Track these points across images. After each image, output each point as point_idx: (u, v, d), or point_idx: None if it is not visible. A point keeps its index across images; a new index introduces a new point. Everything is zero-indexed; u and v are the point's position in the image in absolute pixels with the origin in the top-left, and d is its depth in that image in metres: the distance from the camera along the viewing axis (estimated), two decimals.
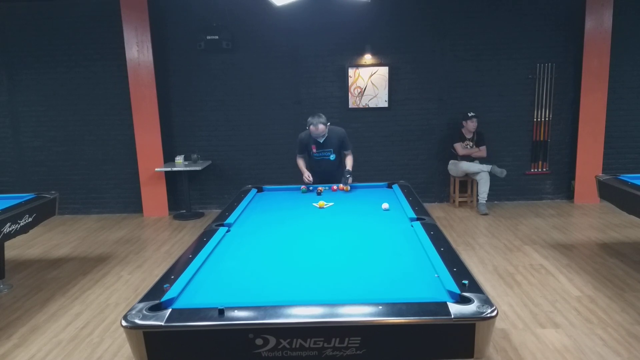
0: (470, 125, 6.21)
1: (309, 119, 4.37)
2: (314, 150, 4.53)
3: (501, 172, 6.09)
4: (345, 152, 4.59)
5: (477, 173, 6.18)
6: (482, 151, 6.32)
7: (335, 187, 4.25)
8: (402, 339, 1.83)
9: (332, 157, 4.53)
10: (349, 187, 4.29)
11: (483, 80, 6.44)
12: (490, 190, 6.22)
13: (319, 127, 4.31)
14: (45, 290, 4.14)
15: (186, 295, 2.10)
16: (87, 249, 5.30)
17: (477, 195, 6.26)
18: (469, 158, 6.30)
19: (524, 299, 3.67)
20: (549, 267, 4.30)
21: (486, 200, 6.23)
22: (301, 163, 4.64)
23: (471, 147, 6.30)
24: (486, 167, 6.14)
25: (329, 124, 4.42)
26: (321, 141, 4.45)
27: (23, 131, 6.64)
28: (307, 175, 4.44)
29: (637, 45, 6.29)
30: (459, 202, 6.56)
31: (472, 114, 6.17)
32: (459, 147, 6.28)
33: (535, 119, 6.53)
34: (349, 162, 4.50)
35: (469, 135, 6.30)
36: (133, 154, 6.52)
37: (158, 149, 6.43)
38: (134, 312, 1.87)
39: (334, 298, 2.01)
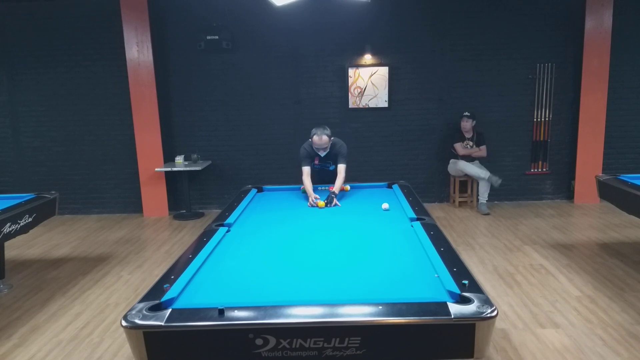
0: (463, 125, 6.19)
1: (314, 129, 4.20)
2: (316, 162, 4.46)
3: (496, 182, 6.10)
4: (339, 166, 4.28)
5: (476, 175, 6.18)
6: (482, 151, 6.30)
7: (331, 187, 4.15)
8: (402, 339, 1.83)
9: (332, 167, 4.47)
10: (348, 187, 4.28)
11: (483, 80, 6.44)
12: (490, 190, 6.22)
13: (323, 137, 4.15)
14: (45, 290, 4.14)
15: (186, 295, 2.10)
16: (87, 249, 5.30)
17: (478, 196, 6.26)
18: (470, 158, 6.30)
19: (524, 299, 3.67)
20: (549, 267, 4.29)
21: (487, 200, 6.23)
22: (309, 184, 4.17)
23: (471, 146, 6.30)
24: (484, 175, 6.12)
25: (332, 138, 4.29)
26: (323, 155, 4.31)
27: (23, 131, 6.64)
28: (314, 198, 3.94)
29: (637, 45, 6.29)
30: (459, 202, 6.56)
31: (466, 113, 6.17)
32: (459, 147, 6.27)
33: (535, 119, 6.52)
34: (338, 181, 4.15)
35: (468, 135, 6.29)
36: (133, 154, 6.52)
37: (158, 149, 6.43)
38: (134, 312, 1.87)
39: (334, 298, 2.02)
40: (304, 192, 4.22)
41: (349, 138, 4.62)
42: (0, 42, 6.41)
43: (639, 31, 6.26)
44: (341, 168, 4.25)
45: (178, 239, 5.55)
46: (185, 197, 6.54)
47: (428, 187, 6.74)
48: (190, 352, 1.84)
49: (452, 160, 6.41)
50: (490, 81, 6.45)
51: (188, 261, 2.46)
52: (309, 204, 3.88)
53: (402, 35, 6.38)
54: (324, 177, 4.51)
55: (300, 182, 4.30)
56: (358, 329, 1.80)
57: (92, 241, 5.57)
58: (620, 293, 3.70)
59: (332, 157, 4.39)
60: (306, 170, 4.26)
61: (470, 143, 6.30)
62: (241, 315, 1.85)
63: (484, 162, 6.33)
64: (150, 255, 5.01)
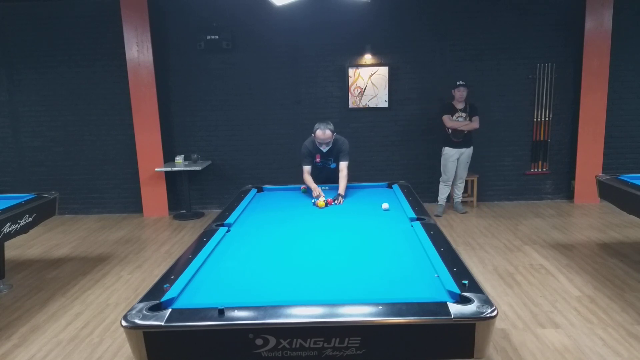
0: (458, 94, 5.90)
1: (317, 124, 4.19)
2: (317, 160, 4.46)
3: (460, 210, 6.21)
4: (341, 163, 4.26)
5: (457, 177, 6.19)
6: (475, 122, 5.91)
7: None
8: (402, 339, 1.83)
9: (333, 165, 4.46)
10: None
11: (483, 80, 6.44)
12: (490, 190, 6.24)
13: (326, 132, 4.14)
14: (45, 290, 4.14)
15: (186, 295, 2.10)
16: (87, 249, 5.30)
17: (453, 195, 6.33)
18: (461, 136, 5.97)
19: (524, 299, 3.67)
20: (549, 267, 4.29)
21: (461, 200, 6.37)
22: (310, 179, 4.23)
23: (464, 118, 5.95)
24: (457, 197, 6.28)
25: (335, 134, 4.28)
26: (325, 151, 4.31)
27: (23, 131, 6.64)
28: (319, 193, 4.00)
29: (637, 45, 6.29)
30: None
31: (460, 82, 5.88)
32: (447, 120, 5.95)
33: (535, 119, 6.52)
34: (342, 182, 4.09)
35: (459, 106, 5.98)
36: (133, 154, 6.52)
37: (158, 149, 6.43)
38: (134, 312, 1.87)
39: (334, 298, 2.01)
40: (304, 191, 4.22)
41: (349, 138, 4.61)
42: (0, 42, 6.41)
43: (639, 31, 6.26)
44: (343, 166, 4.24)
45: (178, 239, 5.55)
46: (185, 197, 6.54)
47: (428, 187, 6.74)
48: (190, 352, 1.84)
49: (442, 154, 6.15)
50: (490, 81, 6.45)
51: (188, 261, 2.46)
52: (314, 195, 3.96)
53: (402, 35, 6.38)
54: (325, 175, 4.49)
55: (300, 182, 4.29)
56: (358, 329, 1.80)
57: (92, 241, 5.57)
58: (620, 293, 3.70)
59: (334, 154, 4.39)
60: (307, 169, 4.30)
61: (463, 115, 5.97)
62: (241, 315, 1.85)
63: (472, 163, 6.28)
64: (150, 255, 5.01)
